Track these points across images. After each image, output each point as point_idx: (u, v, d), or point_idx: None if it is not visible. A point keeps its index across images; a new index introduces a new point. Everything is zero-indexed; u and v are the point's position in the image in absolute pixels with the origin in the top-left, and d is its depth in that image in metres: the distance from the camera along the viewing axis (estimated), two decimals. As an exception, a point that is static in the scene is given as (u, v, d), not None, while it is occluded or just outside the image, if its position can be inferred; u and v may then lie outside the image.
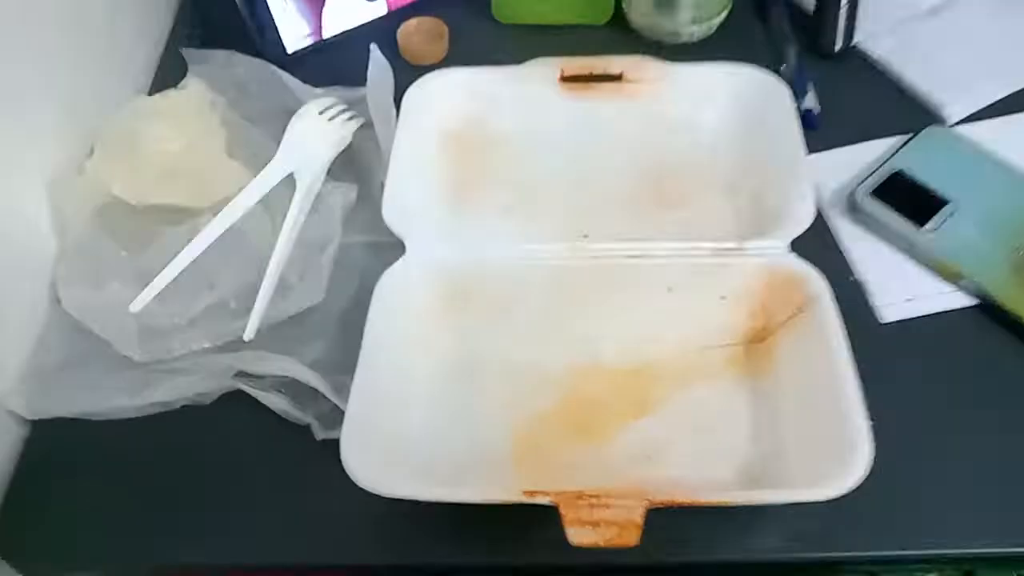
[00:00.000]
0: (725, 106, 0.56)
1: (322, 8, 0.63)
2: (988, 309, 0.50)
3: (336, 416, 0.45)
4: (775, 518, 0.45)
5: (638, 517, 0.38)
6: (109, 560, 0.46)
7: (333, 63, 0.63)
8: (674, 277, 0.49)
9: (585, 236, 0.52)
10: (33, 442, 0.49)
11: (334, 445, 0.41)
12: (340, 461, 0.40)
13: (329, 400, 0.47)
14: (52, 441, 0.49)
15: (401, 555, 0.45)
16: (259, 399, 0.48)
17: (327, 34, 0.64)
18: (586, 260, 0.50)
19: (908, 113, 0.59)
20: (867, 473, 0.39)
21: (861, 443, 0.40)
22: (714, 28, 0.63)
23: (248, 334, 0.49)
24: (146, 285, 0.50)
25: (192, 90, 0.57)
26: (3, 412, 0.48)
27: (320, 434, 0.47)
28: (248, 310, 0.50)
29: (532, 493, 0.39)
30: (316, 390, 0.47)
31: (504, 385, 0.48)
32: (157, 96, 0.57)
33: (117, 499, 0.47)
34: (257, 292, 0.51)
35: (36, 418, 0.48)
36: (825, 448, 0.41)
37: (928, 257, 0.52)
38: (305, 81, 0.60)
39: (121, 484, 0.47)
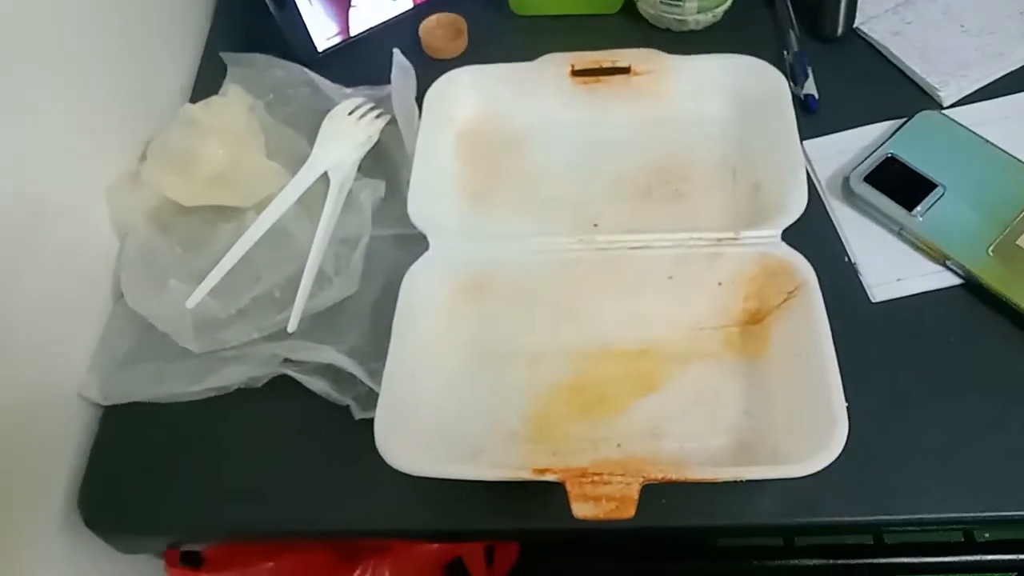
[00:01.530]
0: (727, 98, 0.59)
1: (348, 7, 0.67)
2: (973, 288, 0.54)
3: (372, 397, 0.50)
4: (768, 487, 0.49)
5: (634, 492, 0.43)
6: (180, 526, 0.52)
7: (361, 61, 0.67)
8: (675, 266, 0.53)
9: (595, 226, 0.56)
10: (106, 424, 0.55)
11: (370, 423, 0.47)
12: (375, 439, 0.46)
13: (365, 383, 0.53)
14: (123, 423, 0.54)
15: (432, 521, 0.51)
16: (303, 383, 0.53)
17: (354, 32, 0.68)
18: (594, 251, 0.54)
19: (906, 96, 0.62)
20: (840, 452, 0.43)
21: (838, 423, 0.44)
22: (719, 16, 0.66)
23: (291, 326, 0.54)
24: (199, 280, 0.56)
25: (232, 96, 0.62)
26: (78, 398, 0.54)
27: (358, 414, 0.52)
28: (291, 300, 0.55)
29: (541, 471, 0.44)
30: (353, 374, 0.53)
31: (520, 368, 0.53)
32: (201, 104, 0.61)
33: (183, 473, 0.53)
34: (298, 283, 0.56)
35: (108, 403, 0.54)
36: (808, 425, 0.46)
37: (917, 239, 0.55)
38: (334, 80, 0.65)
39: (186, 460, 0.53)
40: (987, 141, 0.57)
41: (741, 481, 0.45)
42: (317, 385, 0.53)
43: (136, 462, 0.53)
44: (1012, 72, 0.62)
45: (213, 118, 0.60)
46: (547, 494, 0.45)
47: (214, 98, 0.62)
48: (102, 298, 0.58)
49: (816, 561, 0.67)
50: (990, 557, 0.66)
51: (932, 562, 0.66)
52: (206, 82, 0.67)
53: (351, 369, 0.53)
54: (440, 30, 0.68)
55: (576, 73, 0.61)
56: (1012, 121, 0.59)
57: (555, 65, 0.61)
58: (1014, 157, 0.57)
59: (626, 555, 0.67)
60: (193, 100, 0.66)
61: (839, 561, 0.67)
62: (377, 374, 0.50)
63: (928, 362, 0.52)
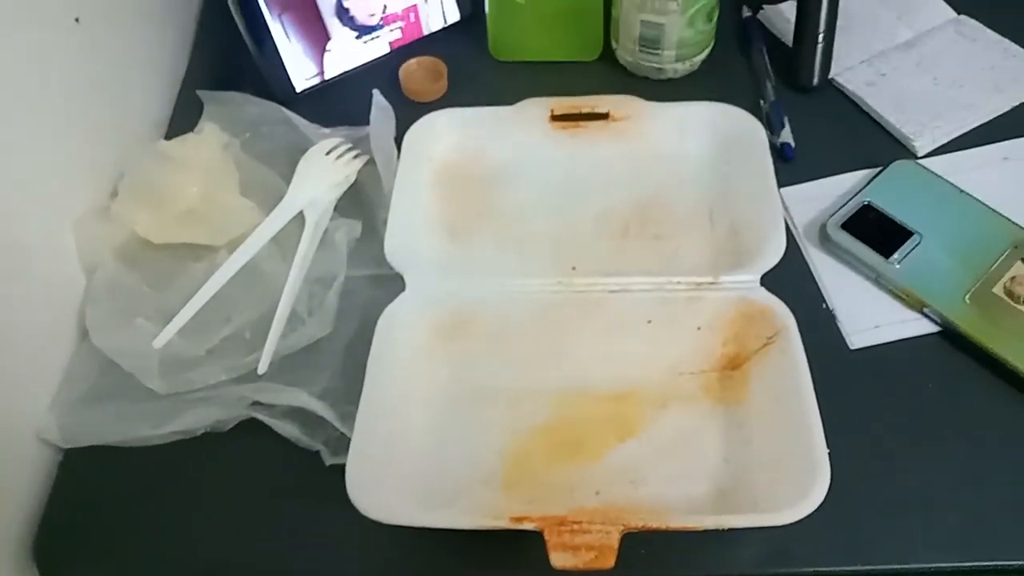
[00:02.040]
0: (705, 143, 0.60)
1: (325, 48, 0.67)
2: (951, 336, 0.54)
3: (343, 442, 0.49)
4: (749, 535, 0.48)
5: (614, 542, 0.42)
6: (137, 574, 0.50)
7: (339, 101, 0.67)
8: (653, 310, 0.53)
9: (573, 269, 0.56)
10: (66, 468, 0.53)
11: (342, 469, 0.45)
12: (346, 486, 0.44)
13: (337, 428, 0.51)
14: (84, 467, 0.53)
15: (404, 570, 0.49)
16: (273, 427, 0.52)
17: (332, 74, 0.68)
18: (573, 294, 0.53)
19: (881, 145, 0.63)
20: (822, 500, 0.42)
21: (820, 472, 0.43)
22: (697, 65, 0.67)
23: (262, 368, 0.53)
24: (168, 320, 0.55)
25: (207, 134, 0.61)
26: (37, 440, 0.52)
27: (329, 460, 0.51)
28: (262, 341, 0.54)
29: (519, 519, 0.43)
30: (325, 418, 0.51)
31: (497, 411, 0.52)
32: (176, 140, 0.61)
33: (146, 521, 0.51)
34: (270, 323, 0.55)
35: (69, 447, 0.53)
36: (789, 473, 0.45)
37: (894, 286, 0.55)
38: (313, 120, 0.64)
39: (149, 506, 0.51)
40: (961, 191, 0.58)
41: (722, 529, 0.44)
42: (287, 429, 0.52)
43: (97, 508, 0.51)
44: (984, 124, 0.63)
45: (187, 155, 0.60)
46: (525, 542, 0.44)
47: (189, 135, 0.61)
48: (67, 335, 0.56)
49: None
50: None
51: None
52: (182, 119, 0.67)
53: (322, 413, 0.51)
54: (420, 73, 0.68)
55: (555, 118, 0.61)
56: (984, 171, 0.60)
57: (535, 109, 0.61)
58: (988, 207, 0.57)
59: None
60: (168, 137, 0.65)
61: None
62: (349, 418, 0.49)
63: (907, 410, 0.52)
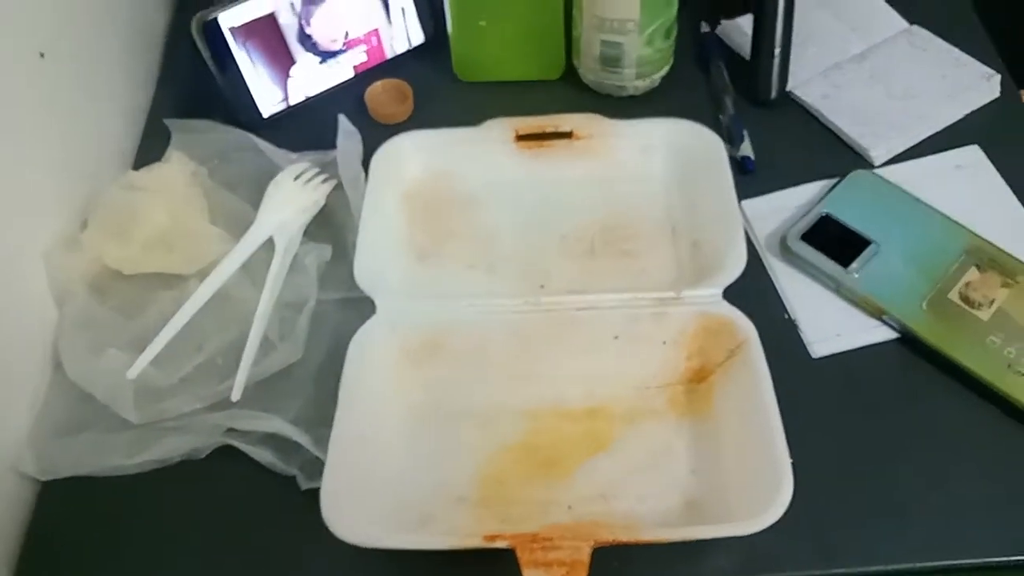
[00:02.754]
0: (666, 159, 0.61)
1: (289, 74, 0.67)
2: (910, 342, 0.55)
3: (318, 466, 0.49)
4: (719, 545, 0.49)
5: (585, 556, 0.43)
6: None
7: (306, 126, 0.68)
8: (619, 326, 0.54)
9: (542, 287, 0.57)
10: (44, 499, 0.53)
11: (318, 492, 0.46)
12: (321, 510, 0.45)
13: (311, 452, 0.52)
14: (62, 498, 0.53)
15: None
16: (248, 453, 0.52)
17: (297, 99, 0.69)
18: (542, 312, 0.54)
19: (839, 156, 0.64)
20: (787, 508, 0.44)
21: (784, 481, 0.45)
22: (657, 82, 0.68)
23: (235, 395, 0.53)
24: (140, 349, 0.55)
25: (175, 162, 0.62)
26: (13, 473, 0.53)
27: (304, 484, 0.51)
28: (234, 367, 0.55)
29: (492, 538, 0.44)
30: (299, 443, 0.52)
31: (470, 431, 0.53)
32: (143, 170, 0.61)
33: (124, 549, 0.51)
34: (242, 350, 0.55)
35: (46, 478, 0.53)
36: (755, 483, 0.46)
37: (854, 295, 0.57)
38: (281, 145, 0.65)
39: (127, 535, 0.51)
40: (917, 199, 0.60)
41: (692, 541, 0.45)
42: (262, 455, 0.52)
43: (75, 539, 0.52)
44: (937, 133, 0.65)
45: (155, 184, 0.60)
46: (499, 559, 0.45)
47: (156, 164, 0.62)
48: (39, 367, 0.56)
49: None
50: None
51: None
52: (150, 148, 0.67)
53: (297, 438, 0.52)
54: (385, 95, 0.69)
55: (520, 138, 0.62)
56: (939, 179, 0.62)
57: (499, 130, 0.62)
58: (943, 214, 0.59)
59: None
60: (136, 166, 0.65)
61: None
62: (324, 441, 0.49)
63: (870, 415, 0.53)
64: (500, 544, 0.44)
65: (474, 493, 0.50)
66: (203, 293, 0.57)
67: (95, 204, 0.60)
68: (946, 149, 0.64)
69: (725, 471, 0.50)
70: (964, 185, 0.62)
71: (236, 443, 0.53)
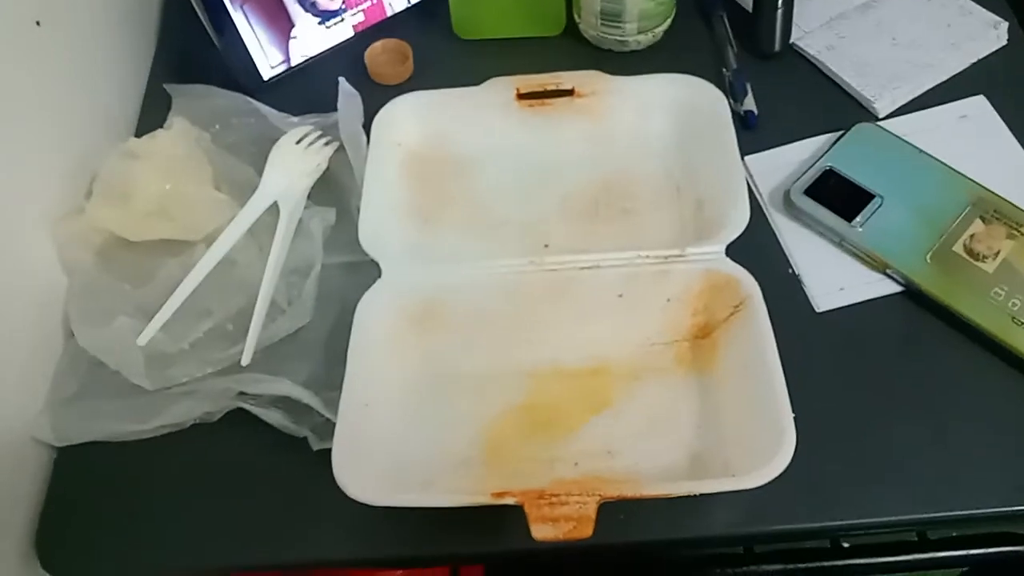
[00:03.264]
0: (668, 115, 0.61)
1: (288, 37, 0.67)
2: (914, 295, 0.55)
3: (329, 428, 0.50)
4: (723, 498, 0.50)
5: (591, 512, 0.44)
6: (140, 566, 0.52)
7: (306, 88, 0.67)
8: (624, 284, 0.54)
9: (546, 246, 0.57)
10: (61, 465, 0.54)
11: (329, 453, 0.47)
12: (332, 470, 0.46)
13: (322, 414, 0.52)
14: (78, 463, 0.54)
15: (394, 548, 0.51)
16: (260, 416, 0.53)
17: (297, 61, 0.68)
18: (545, 272, 0.54)
19: (842, 109, 0.64)
20: (789, 463, 0.44)
21: (786, 436, 0.45)
22: (659, 36, 0.67)
23: (245, 359, 0.54)
24: (150, 316, 0.55)
25: (177, 129, 0.61)
26: (30, 440, 0.54)
27: (316, 445, 0.52)
28: (244, 332, 0.55)
29: (500, 495, 0.45)
30: (310, 405, 0.53)
31: (475, 391, 0.54)
32: (146, 137, 0.61)
33: (141, 512, 0.52)
34: (250, 315, 0.56)
35: (62, 444, 0.54)
36: (758, 438, 0.47)
37: (858, 249, 0.57)
38: (282, 108, 0.65)
39: (144, 498, 0.53)
40: (921, 151, 0.59)
41: (696, 495, 0.46)
42: (273, 417, 0.53)
43: (93, 503, 0.53)
44: (942, 83, 0.64)
45: (158, 151, 0.60)
46: (507, 516, 0.46)
47: (159, 131, 0.62)
48: (52, 337, 0.57)
49: (777, 566, 0.68)
50: (943, 554, 0.67)
51: (889, 561, 0.68)
52: (151, 115, 0.67)
53: (307, 400, 0.53)
54: (385, 56, 0.69)
55: (521, 96, 0.61)
56: (943, 130, 0.61)
57: (500, 88, 0.61)
58: (947, 166, 0.58)
59: (588, 572, 0.67)
60: (138, 133, 0.65)
61: (799, 565, 0.68)
62: (334, 404, 0.50)
63: (873, 369, 0.54)
64: (508, 500, 0.44)
65: (481, 452, 0.51)
66: (209, 259, 0.57)
67: (98, 172, 0.60)
68: (951, 100, 0.63)
69: (729, 426, 0.50)
70: (969, 136, 0.61)
71: (247, 406, 0.53)
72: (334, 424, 0.49)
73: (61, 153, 0.60)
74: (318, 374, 0.54)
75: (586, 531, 0.43)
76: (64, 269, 0.58)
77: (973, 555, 0.63)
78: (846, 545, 0.68)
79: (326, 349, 0.55)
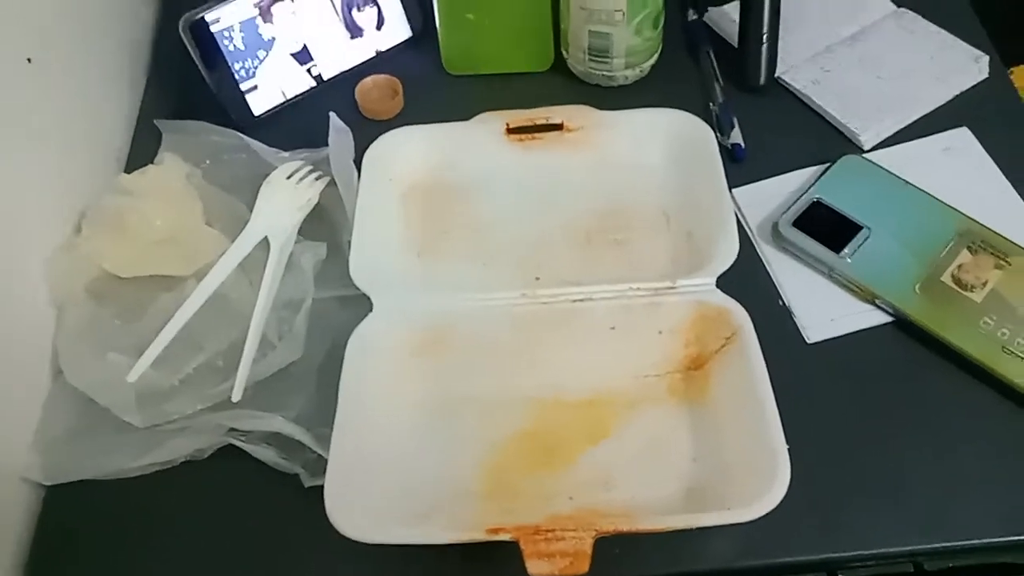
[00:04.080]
0: (658, 148, 0.61)
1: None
2: (903, 325, 0.56)
3: (321, 464, 0.50)
4: (719, 531, 0.49)
5: (587, 547, 0.43)
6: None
7: (297, 124, 0.68)
8: (616, 316, 0.54)
9: (537, 279, 0.57)
10: (49, 504, 0.54)
11: (321, 490, 0.46)
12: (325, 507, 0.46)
13: (314, 450, 0.52)
14: (67, 502, 0.53)
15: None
16: (251, 452, 0.53)
17: (290, 95, 0.69)
18: (539, 305, 0.55)
19: (829, 141, 0.64)
20: (784, 494, 0.44)
21: (781, 467, 0.45)
22: (646, 71, 0.68)
23: (235, 395, 0.54)
24: (140, 352, 0.55)
25: (168, 164, 0.62)
26: (18, 479, 0.53)
27: (307, 482, 0.52)
28: (234, 368, 0.55)
29: (495, 531, 0.44)
30: (301, 441, 0.52)
31: (471, 423, 0.53)
32: (137, 173, 0.61)
33: (131, 551, 0.52)
34: (241, 349, 0.55)
35: (52, 483, 0.53)
36: (753, 470, 0.47)
37: (846, 280, 0.57)
38: (271, 144, 0.65)
39: (134, 536, 0.52)
40: (907, 182, 0.60)
41: (692, 528, 0.46)
42: (264, 454, 0.53)
43: (82, 542, 0.52)
44: (926, 115, 0.65)
45: (149, 187, 0.60)
46: (503, 551, 0.45)
47: (150, 167, 0.62)
48: (42, 373, 0.57)
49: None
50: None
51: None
52: (141, 150, 0.67)
53: (299, 436, 0.52)
54: (376, 91, 0.69)
55: (511, 131, 0.62)
56: (929, 162, 0.62)
57: (490, 123, 0.62)
58: (934, 197, 0.59)
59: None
60: (128, 169, 0.65)
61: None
62: (325, 439, 0.50)
63: (865, 399, 0.54)
64: (503, 537, 0.44)
65: (477, 485, 0.51)
66: (201, 294, 0.57)
67: (88, 208, 0.60)
68: (935, 132, 0.64)
69: (724, 458, 0.50)
70: (954, 167, 0.62)
71: (239, 443, 0.53)
72: (326, 460, 0.48)
73: (51, 188, 0.60)
74: (309, 410, 0.54)
75: (582, 567, 0.43)
76: (54, 304, 0.58)
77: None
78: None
79: (318, 384, 0.55)
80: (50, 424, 0.55)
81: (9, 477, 0.52)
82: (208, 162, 0.64)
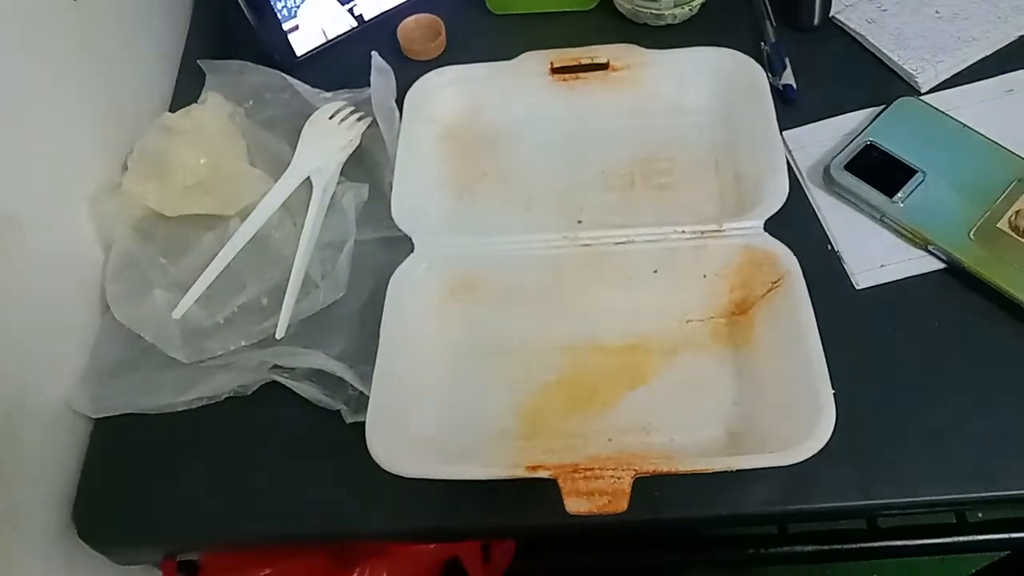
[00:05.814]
0: (706, 89, 0.60)
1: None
2: (956, 272, 0.54)
3: (362, 401, 0.50)
4: (759, 475, 0.49)
5: (626, 486, 0.43)
6: (175, 536, 0.52)
7: (339, 64, 0.67)
8: (659, 260, 0.53)
9: (579, 222, 0.57)
10: (97, 436, 0.55)
11: (362, 426, 0.47)
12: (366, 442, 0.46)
13: (355, 387, 0.53)
14: (114, 435, 0.54)
15: (427, 521, 0.51)
16: (294, 389, 0.53)
17: (331, 36, 0.68)
18: (579, 247, 0.54)
19: (883, 83, 0.62)
20: (828, 440, 0.44)
21: (826, 412, 0.44)
22: (696, 9, 0.66)
23: (279, 333, 0.54)
24: (185, 290, 0.56)
25: (212, 104, 0.62)
26: (68, 411, 0.54)
27: (349, 418, 0.52)
28: (278, 306, 0.55)
29: (534, 468, 0.44)
30: (343, 378, 0.53)
31: (510, 366, 0.53)
32: (181, 112, 0.61)
33: (177, 483, 0.53)
34: (284, 290, 0.56)
35: (98, 416, 0.54)
36: (796, 414, 0.46)
37: (899, 225, 0.56)
38: (314, 84, 0.65)
39: (179, 469, 0.53)
40: (965, 125, 0.58)
41: (732, 471, 0.46)
42: (307, 391, 0.53)
43: (129, 473, 0.53)
44: (986, 56, 0.62)
45: (193, 126, 0.60)
46: (541, 491, 0.45)
47: (194, 106, 0.62)
48: (90, 310, 0.57)
49: (810, 547, 0.67)
50: (982, 537, 0.66)
51: (925, 544, 0.67)
52: (185, 90, 0.67)
53: (341, 373, 0.53)
54: (418, 31, 0.68)
55: (555, 70, 0.61)
56: (988, 105, 0.60)
57: (534, 63, 0.61)
58: (992, 141, 0.57)
59: (622, 549, 0.67)
60: (172, 109, 0.65)
61: (833, 546, 0.67)
62: (367, 377, 0.50)
63: (914, 346, 0.53)
64: (542, 474, 0.44)
65: (515, 427, 0.51)
66: (244, 234, 0.58)
67: (134, 147, 0.60)
68: (995, 74, 0.62)
69: (767, 402, 0.49)
70: (1015, 110, 0.60)
71: (282, 379, 0.54)
72: (367, 397, 0.49)
73: (97, 128, 0.60)
74: (352, 348, 0.54)
75: (621, 505, 0.43)
76: (101, 244, 0.59)
77: (1016, 539, 0.62)
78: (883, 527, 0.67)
79: (360, 323, 0.55)
80: (98, 359, 0.56)
81: (57, 408, 0.54)
82: (251, 102, 0.64)
